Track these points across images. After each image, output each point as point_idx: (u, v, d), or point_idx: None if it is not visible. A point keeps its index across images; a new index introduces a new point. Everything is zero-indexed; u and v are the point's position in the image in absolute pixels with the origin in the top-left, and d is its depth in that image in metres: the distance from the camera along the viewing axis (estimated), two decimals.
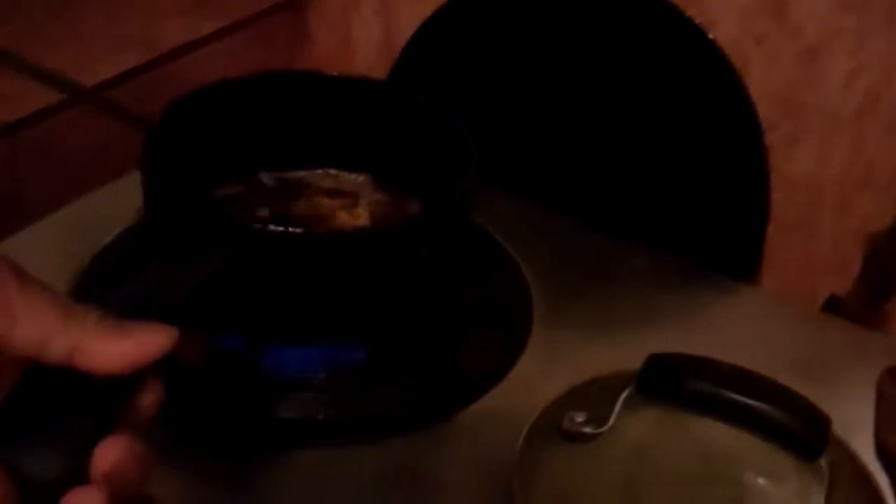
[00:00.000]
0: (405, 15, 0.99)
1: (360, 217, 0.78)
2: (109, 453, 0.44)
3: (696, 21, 0.81)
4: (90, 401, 0.45)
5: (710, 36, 0.81)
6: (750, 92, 0.81)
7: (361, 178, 0.81)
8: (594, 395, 0.64)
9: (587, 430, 0.64)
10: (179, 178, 0.69)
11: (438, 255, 0.71)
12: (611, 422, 0.63)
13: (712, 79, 0.81)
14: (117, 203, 0.78)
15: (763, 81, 0.84)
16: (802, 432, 0.62)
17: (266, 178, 0.79)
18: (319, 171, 0.81)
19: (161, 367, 0.47)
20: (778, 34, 0.84)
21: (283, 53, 1.05)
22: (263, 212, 0.77)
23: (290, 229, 0.71)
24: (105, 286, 0.75)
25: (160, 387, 0.47)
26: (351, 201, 0.79)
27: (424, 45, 0.92)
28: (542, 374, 0.72)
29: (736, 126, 0.82)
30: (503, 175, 0.87)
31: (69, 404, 0.45)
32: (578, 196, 0.87)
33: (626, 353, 0.70)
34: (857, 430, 0.65)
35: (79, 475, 0.44)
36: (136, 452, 0.44)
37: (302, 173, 0.81)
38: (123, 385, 0.46)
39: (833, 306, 0.81)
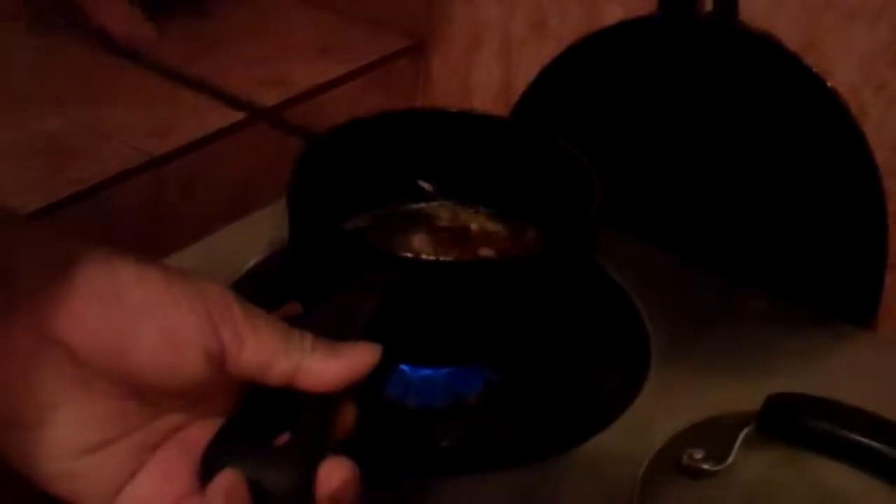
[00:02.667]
0: (525, 60, 1.02)
1: (483, 249, 0.80)
2: (335, 473, 0.47)
3: (815, 69, 0.82)
4: (313, 419, 0.48)
5: (829, 84, 0.82)
6: (868, 138, 0.82)
7: (482, 211, 0.83)
8: (713, 433, 0.66)
9: (706, 466, 0.65)
10: (320, 210, 0.72)
11: (563, 289, 0.74)
12: (730, 459, 0.64)
13: (831, 125, 0.82)
14: (254, 234, 0.82)
15: (880, 128, 0.85)
16: None
17: (401, 207, 0.82)
18: (437, 203, 0.84)
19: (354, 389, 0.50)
20: None
21: (406, 96, 1.09)
22: (397, 242, 0.80)
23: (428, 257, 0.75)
24: None
25: (356, 405, 0.50)
26: (474, 233, 0.82)
27: (544, 90, 0.94)
28: (659, 412, 0.73)
29: (854, 172, 0.82)
30: (623, 217, 0.89)
31: (295, 422, 0.48)
32: (698, 239, 0.88)
33: (743, 394, 0.71)
34: None
35: (307, 492, 0.46)
36: (356, 474, 0.47)
37: (423, 205, 0.83)
38: (334, 403, 0.49)
39: None
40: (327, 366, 0.48)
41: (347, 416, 0.50)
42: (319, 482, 0.46)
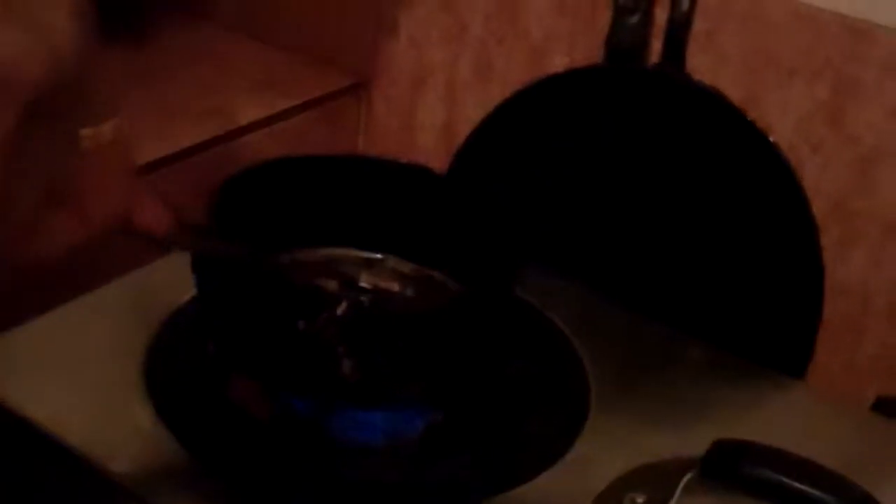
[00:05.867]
0: (469, 102, 1.03)
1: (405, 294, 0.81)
2: None
3: (757, 124, 0.84)
4: None
5: (771, 138, 0.84)
6: (805, 194, 0.84)
7: (402, 260, 0.83)
8: (655, 478, 0.66)
9: None
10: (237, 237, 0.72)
11: (498, 333, 0.74)
12: None
13: (771, 179, 0.84)
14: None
15: (817, 186, 0.87)
16: None
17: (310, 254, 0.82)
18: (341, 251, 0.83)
19: None
20: (834, 141, 0.87)
21: (349, 134, 1.08)
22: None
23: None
24: (179, 349, 0.77)
25: None
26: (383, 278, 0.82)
27: (489, 133, 0.95)
28: (600, 456, 0.73)
29: (792, 227, 0.84)
30: (567, 264, 0.90)
31: None
32: (637, 288, 0.89)
33: (680, 441, 0.72)
34: None
35: None
36: None
37: (335, 251, 0.83)
38: None
39: (882, 407, 0.83)
40: None
41: None
42: None
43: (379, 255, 0.82)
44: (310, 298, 0.72)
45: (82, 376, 0.75)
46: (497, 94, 0.95)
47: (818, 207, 0.85)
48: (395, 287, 0.81)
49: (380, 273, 0.81)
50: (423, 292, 0.80)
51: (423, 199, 0.82)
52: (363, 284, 0.80)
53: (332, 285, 0.79)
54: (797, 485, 0.63)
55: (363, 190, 0.82)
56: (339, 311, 0.70)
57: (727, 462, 0.65)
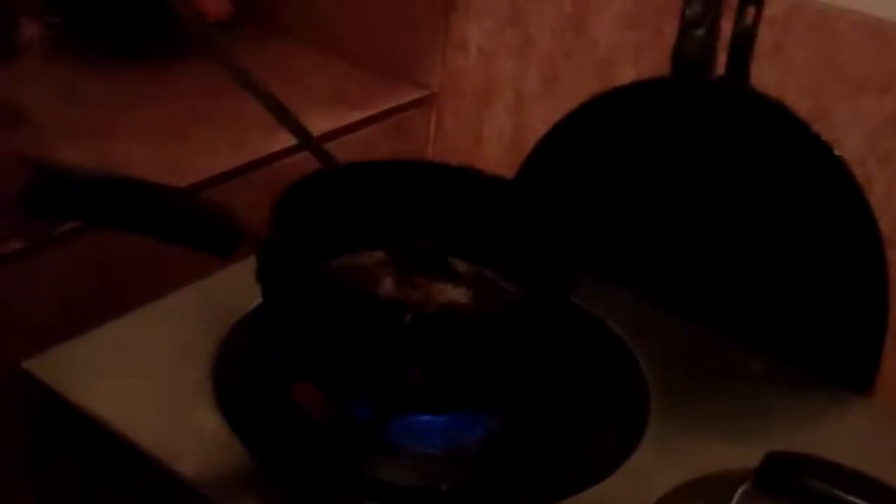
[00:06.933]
0: (536, 115, 1.03)
1: (462, 297, 0.81)
2: None
3: (823, 137, 0.83)
4: None
5: (836, 152, 0.83)
6: (873, 208, 0.83)
7: (462, 261, 0.84)
8: (710, 489, 0.66)
9: None
10: (298, 248, 0.74)
11: (558, 340, 0.75)
12: None
13: (837, 193, 0.84)
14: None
15: (885, 200, 0.86)
16: None
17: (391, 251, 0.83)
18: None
19: None
20: None
21: (419, 145, 1.10)
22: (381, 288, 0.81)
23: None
24: (245, 355, 0.79)
25: None
26: (453, 284, 0.83)
27: (554, 145, 0.95)
28: (656, 466, 0.73)
29: (858, 240, 0.83)
30: (631, 275, 0.90)
31: None
32: (702, 299, 0.89)
33: (738, 453, 0.72)
34: None
35: None
36: None
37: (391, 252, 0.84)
38: None
39: None
40: None
41: None
42: None
43: (435, 255, 0.83)
44: (373, 306, 0.73)
45: (152, 380, 0.77)
46: (564, 106, 0.96)
47: (886, 221, 0.84)
48: (451, 287, 0.82)
49: (436, 273, 0.82)
50: (479, 293, 0.81)
51: (481, 203, 0.83)
52: (417, 282, 0.81)
53: (388, 285, 0.80)
54: (852, 498, 0.63)
55: (422, 194, 0.84)
56: (406, 320, 0.71)
57: (781, 474, 0.65)
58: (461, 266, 0.83)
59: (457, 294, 0.82)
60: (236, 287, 0.78)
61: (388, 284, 0.80)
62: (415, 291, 0.81)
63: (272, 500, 0.70)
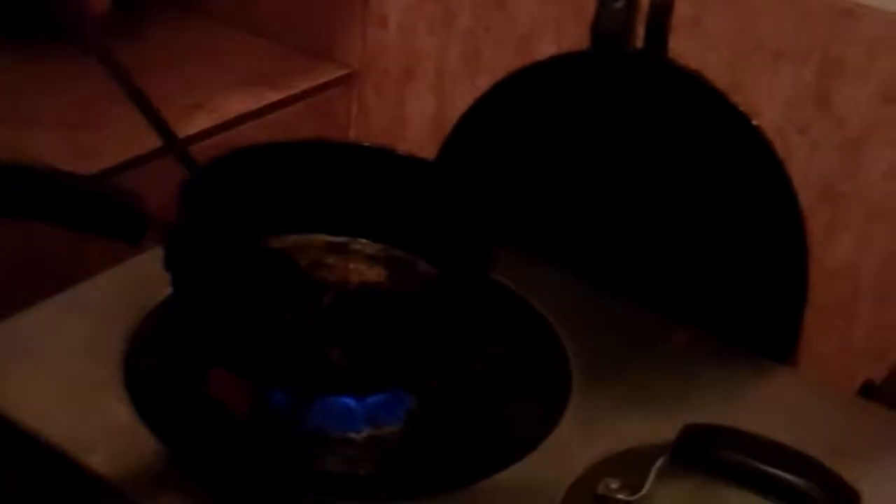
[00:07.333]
0: (457, 92, 1.03)
1: (377, 277, 0.81)
2: None
3: (740, 108, 0.83)
4: None
5: (754, 122, 0.83)
6: (792, 178, 0.83)
7: (370, 242, 0.84)
8: (630, 464, 0.66)
9: (622, 496, 0.65)
10: (208, 231, 0.72)
11: (475, 317, 0.74)
12: (645, 489, 0.64)
13: (756, 164, 0.84)
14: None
15: (805, 169, 0.87)
16: None
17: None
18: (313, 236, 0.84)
19: None
20: (821, 124, 0.87)
21: (341, 124, 1.09)
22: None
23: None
24: (157, 345, 0.78)
25: None
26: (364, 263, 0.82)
27: (476, 122, 0.95)
28: (579, 442, 0.73)
29: (777, 211, 0.84)
30: (550, 249, 0.90)
31: None
32: (622, 271, 0.89)
33: (661, 425, 0.72)
34: None
35: None
36: None
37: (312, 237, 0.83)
38: None
39: (869, 391, 0.82)
40: None
41: None
42: None
43: (346, 238, 0.82)
44: (291, 287, 0.72)
45: (61, 372, 0.75)
46: (486, 82, 0.95)
47: (807, 191, 0.85)
48: (365, 268, 0.81)
49: (348, 256, 0.81)
50: (393, 272, 0.81)
51: (395, 183, 0.82)
52: (329, 264, 0.80)
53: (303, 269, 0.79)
54: (768, 468, 0.63)
55: (335, 175, 0.82)
56: (326, 300, 0.70)
57: (698, 446, 0.65)
58: (371, 248, 0.82)
59: (372, 274, 0.81)
60: (149, 275, 0.76)
61: (302, 267, 0.79)
62: (330, 273, 0.80)
63: (187, 491, 0.69)
